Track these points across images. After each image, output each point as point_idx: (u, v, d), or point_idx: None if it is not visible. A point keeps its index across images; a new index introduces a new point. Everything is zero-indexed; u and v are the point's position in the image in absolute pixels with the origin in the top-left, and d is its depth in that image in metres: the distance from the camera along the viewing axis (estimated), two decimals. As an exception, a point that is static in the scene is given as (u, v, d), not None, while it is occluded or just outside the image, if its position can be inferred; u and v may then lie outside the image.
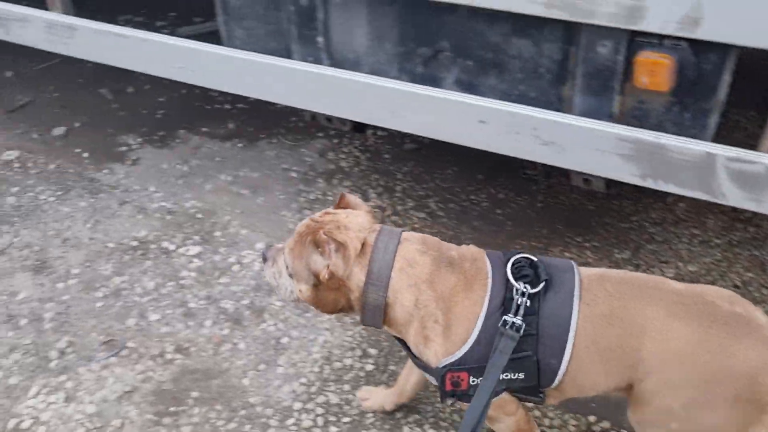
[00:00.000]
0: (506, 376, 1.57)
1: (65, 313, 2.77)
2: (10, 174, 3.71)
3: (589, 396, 1.68)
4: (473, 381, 1.57)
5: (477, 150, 2.44)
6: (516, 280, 1.56)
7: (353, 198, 1.80)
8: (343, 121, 3.39)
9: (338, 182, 3.61)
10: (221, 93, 4.21)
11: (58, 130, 4.10)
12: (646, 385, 1.50)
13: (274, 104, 3.56)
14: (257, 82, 2.80)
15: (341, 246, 1.60)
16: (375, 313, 1.66)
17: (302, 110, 3.58)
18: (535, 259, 1.63)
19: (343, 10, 2.66)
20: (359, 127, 3.64)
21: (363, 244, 1.65)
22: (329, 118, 3.36)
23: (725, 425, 1.44)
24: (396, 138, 3.94)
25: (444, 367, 1.61)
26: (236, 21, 2.94)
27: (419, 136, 2.72)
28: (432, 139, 2.57)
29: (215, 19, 3.04)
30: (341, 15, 2.68)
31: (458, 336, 1.59)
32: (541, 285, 1.55)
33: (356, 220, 1.70)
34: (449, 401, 1.70)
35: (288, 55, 2.85)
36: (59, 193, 3.52)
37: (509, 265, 1.61)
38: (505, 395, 1.65)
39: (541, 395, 1.66)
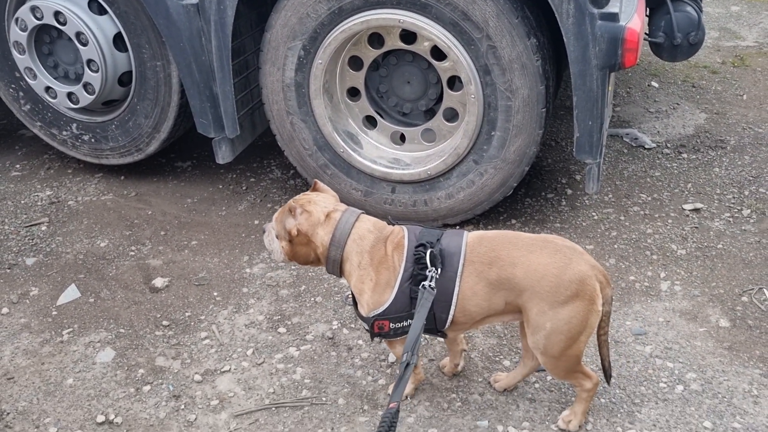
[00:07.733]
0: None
1: None
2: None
3: (477, 319, 2.31)
4: (392, 326, 2.30)
5: None
6: (422, 258, 2.24)
7: (323, 185, 2.50)
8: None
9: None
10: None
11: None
12: (524, 300, 2.21)
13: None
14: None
15: (306, 212, 2.33)
16: (334, 265, 2.37)
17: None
18: (437, 238, 2.29)
19: None
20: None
21: (327, 215, 2.34)
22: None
23: (575, 314, 2.17)
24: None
25: (372, 317, 2.31)
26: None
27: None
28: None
29: None
30: None
31: (382, 296, 2.29)
32: (439, 270, 2.23)
33: (323, 198, 2.41)
34: (377, 340, 2.48)
35: None
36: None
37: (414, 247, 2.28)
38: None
39: (440, 333, 2.39)
